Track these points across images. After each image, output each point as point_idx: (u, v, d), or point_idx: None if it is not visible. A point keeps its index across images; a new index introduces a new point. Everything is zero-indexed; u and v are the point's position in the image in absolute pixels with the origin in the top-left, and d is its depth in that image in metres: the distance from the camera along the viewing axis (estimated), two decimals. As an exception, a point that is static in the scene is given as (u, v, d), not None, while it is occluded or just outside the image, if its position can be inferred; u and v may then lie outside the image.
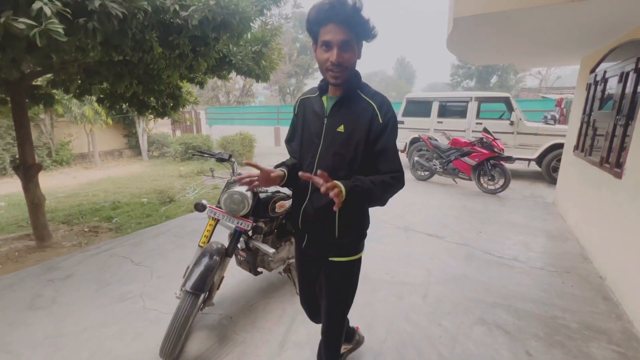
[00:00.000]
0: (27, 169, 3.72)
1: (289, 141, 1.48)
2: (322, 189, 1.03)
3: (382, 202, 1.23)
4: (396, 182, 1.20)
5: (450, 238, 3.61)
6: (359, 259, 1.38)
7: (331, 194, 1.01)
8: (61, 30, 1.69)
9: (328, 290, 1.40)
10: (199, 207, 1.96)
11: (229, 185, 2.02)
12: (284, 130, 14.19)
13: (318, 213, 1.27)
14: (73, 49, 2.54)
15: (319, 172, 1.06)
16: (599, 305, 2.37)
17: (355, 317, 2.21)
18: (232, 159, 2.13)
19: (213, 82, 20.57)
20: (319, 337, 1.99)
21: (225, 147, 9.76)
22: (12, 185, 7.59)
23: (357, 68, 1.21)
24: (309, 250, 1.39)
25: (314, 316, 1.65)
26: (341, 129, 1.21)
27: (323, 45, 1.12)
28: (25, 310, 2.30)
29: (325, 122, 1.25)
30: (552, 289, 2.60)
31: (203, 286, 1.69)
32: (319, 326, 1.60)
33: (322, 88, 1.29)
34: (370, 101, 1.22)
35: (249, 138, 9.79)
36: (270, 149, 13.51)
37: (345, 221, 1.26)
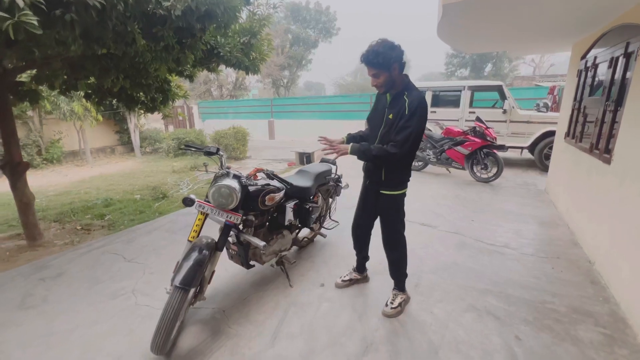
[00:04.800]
0: (13, 168, 3.65)
1: (367, 119, 2.24)
2: (328, 150, 2.02)
3: (378, 162, 1.98)
4: (390, 148, 1.86)
5: (443, 227, 3.63)
6: (400, 195, 2.09)
7: (334, 154, 1.99)
8: (35, 23, 1.63)
9: (382, 213, 2.17)
10: (187, 202, 1.94)
11: (217, 178, 2.00)
12: (278, 124, 14.09)
13: (374, 167, 2.09)
14: (53, 43, 2.47)
15: (325, 138, 2.16)
16: (587, 289, 2.41)
17: (348, 307, 2.24)
18: (220, 152, 2.10)
19: (205, 75, 20.26)
20: (311, 329, 2.03)
21: (219, 142, 9.68)
22: (2, 185, 7.47)
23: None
24: (369, 186, 2.19)
25: (358, 242, 2.43)
26: (390, 116, 1.93)
27: (370, 76, 1.93)
28: (16, 310, 2.28)
29: (386, 111, 1.99)
30: (543, 274, 2.63)
31: (192, 281, 1.68)
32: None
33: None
34: (406, 99, 1.86)
35: (242, 132, 9.70)
36: (265, 143, 13.42)
37: (387, 171, 2.04)
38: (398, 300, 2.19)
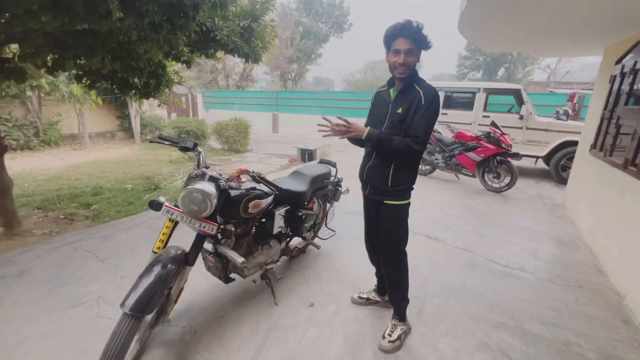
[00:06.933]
0: (-11, 150, 3.39)
1: (366, 124, 1.88)
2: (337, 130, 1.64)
3: (394, 156, 1.69)
4: (411, 144, 1.61)
5: (451, 241, 3.30)
6: (405, 205, 1.80)
7: (345, 135, 1.64)
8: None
9: (383, 226, 1.85)
10: (154, 205, 1.64)
11: (190, 180, 1.69)
12: (283, 117, 13.74)
13: (379, 168, 1.77)
14: (20, 12, 2.17)
15: (338, 117, 1.67)
16: (619, 330, 2.08)
17: (339, 335, 1.93)
18: (198, 148, 1.79)
19: (212, 64, 19.92)
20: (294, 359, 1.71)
21: (220, 133, 9.38)
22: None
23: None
24: (370, 196, 1.88)
25: (372, 256, 2.14)
26: (400, 110, 1.68)
27: (394, 52, 1.60)
28: (-38, 314, 2.01)
29: (390, 107, 1.73)
30: (564, 307, 2.30)
31: (146, 306, 1.36)
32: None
33: (390, 83, 1.77)
34: (420, 90, 1.64)
35: (244, 124, 9.38)
36: (268, 136, 13.09)
37: (395, 175, 1.73)
38: (397, 332, 1.87)
